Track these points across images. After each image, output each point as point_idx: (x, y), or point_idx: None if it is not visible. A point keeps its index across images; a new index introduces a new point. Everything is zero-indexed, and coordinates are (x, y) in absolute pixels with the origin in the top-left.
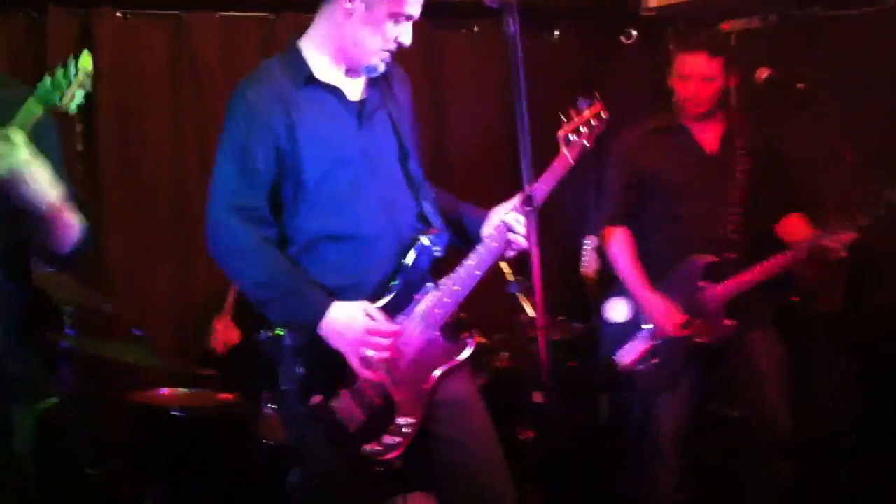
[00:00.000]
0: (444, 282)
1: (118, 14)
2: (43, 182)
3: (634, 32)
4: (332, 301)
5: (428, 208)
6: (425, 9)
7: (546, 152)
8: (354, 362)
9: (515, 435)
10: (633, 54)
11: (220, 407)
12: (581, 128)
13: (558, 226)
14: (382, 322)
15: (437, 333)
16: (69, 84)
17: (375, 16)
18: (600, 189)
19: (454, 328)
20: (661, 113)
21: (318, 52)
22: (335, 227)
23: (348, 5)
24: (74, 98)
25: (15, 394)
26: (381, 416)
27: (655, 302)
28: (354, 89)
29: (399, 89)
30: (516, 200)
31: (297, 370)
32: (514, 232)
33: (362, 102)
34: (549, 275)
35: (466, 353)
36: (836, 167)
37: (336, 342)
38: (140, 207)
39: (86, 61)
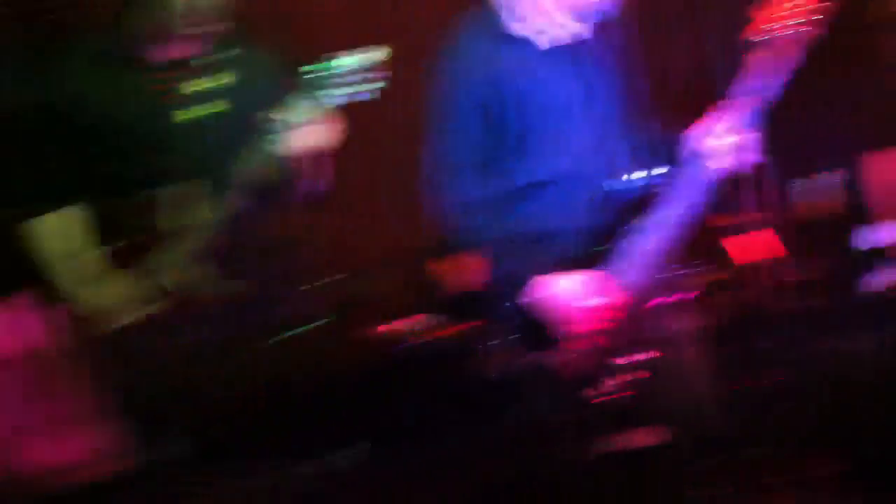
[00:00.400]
0: (650, 220)
1: None
2: None
3: None
4: (558, 268)
5: (630, 150)
6: None
7: None
8: (559, 332)
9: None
10: None
11: (451, 338)
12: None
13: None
14: (595, 301)
15: (652, 272)
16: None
17: None
18: None
19: (669, 264)
20: None
21: None
22: (539, 175)
23: None
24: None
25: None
26: (600, 360)
27: None
28: (563, 34)
29: (609, 31)
30: (717, 122)
31: (515, 310)
32: (718, 157)
33: (568, 47)
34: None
35: (683, 289)
36: None
37: (547, 311)
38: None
39: (352, 60)
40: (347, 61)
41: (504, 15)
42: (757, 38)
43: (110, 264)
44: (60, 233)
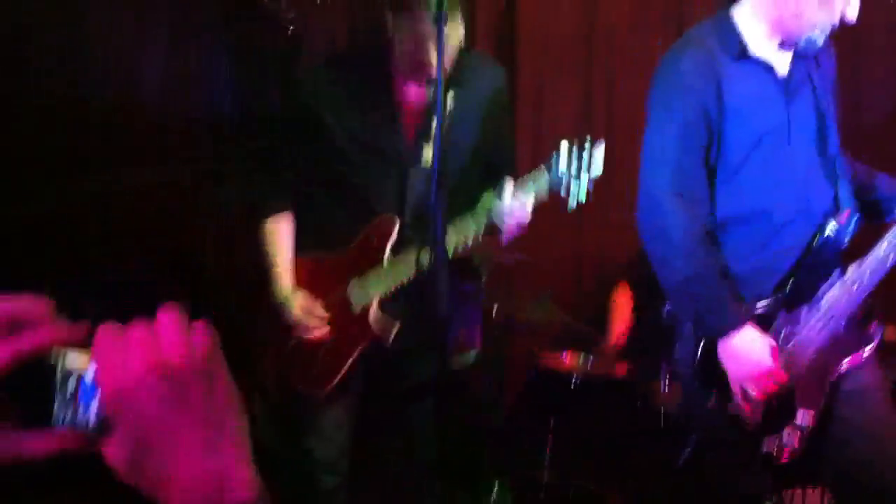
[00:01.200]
0: (853, 268)
1: None
2: None
3: None
4: (745, 323)
5: (842, 189)
6: None
7: None
8: (736, 389)
9: None
10: None
11: (619, 376)
12: None
13: None
14: (777, 366)
15: (842, 324)
16: (576, 180)
17: None
18: None
19: (863, 317)
20: None
21: (753, 23)
22: (747, 208)
23: None
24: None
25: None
26: (781, 411)
27: None
28: (783, 63)
29: (825, 62)
30: None
31: (695, 357)
32: None
33: (789, 77)
34: None
35: (872, 346)
36: None
37: (727, 362)
38: None
39: (596, 168)
40: (594, 170)
41: (744, 32)
42: None
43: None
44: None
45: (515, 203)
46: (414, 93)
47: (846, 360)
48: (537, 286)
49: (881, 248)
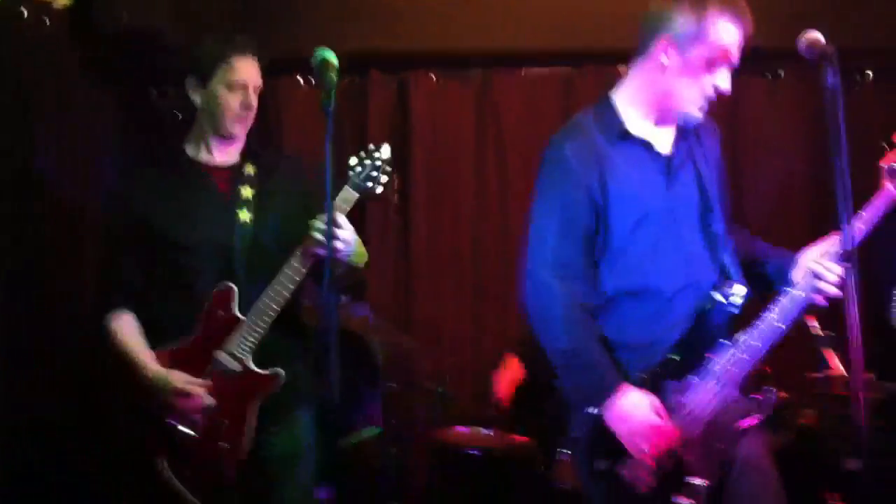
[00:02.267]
0: (742, 337)
1: (432, 76)
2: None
3: None
4: (623, 386)
5: (728, 261)
6: None
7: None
8: (629, 448)
9: (821, 497)
10: None
11: (515, 448)
12: None
13: (860, 274)
14: (667, 423)
15: (735, 392)
16: (377, 171)
17: (692, 68)
18: None
19: (754, 383)
20: None
21: (631, 106)
22: (635, 284)
23: (664, 60)
24: (381, 183)
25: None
26: (673, 477)
27: None
28: (664, 142)
29: (708, 141)
30: (827, 245)
31: (582, 429)
32: (823, 280)
33: (671, 156)
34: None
35: (767, 410)
36: None
37: (615, 426)
38: (445, 259)
39: (385, 151)
40: (384, 153)
41: (623, 115)
42: (889, 169)
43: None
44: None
45: (339, 229)
46: (219, 159)
47: (738, 426)
48: (435, 366)
49: (770, 316)
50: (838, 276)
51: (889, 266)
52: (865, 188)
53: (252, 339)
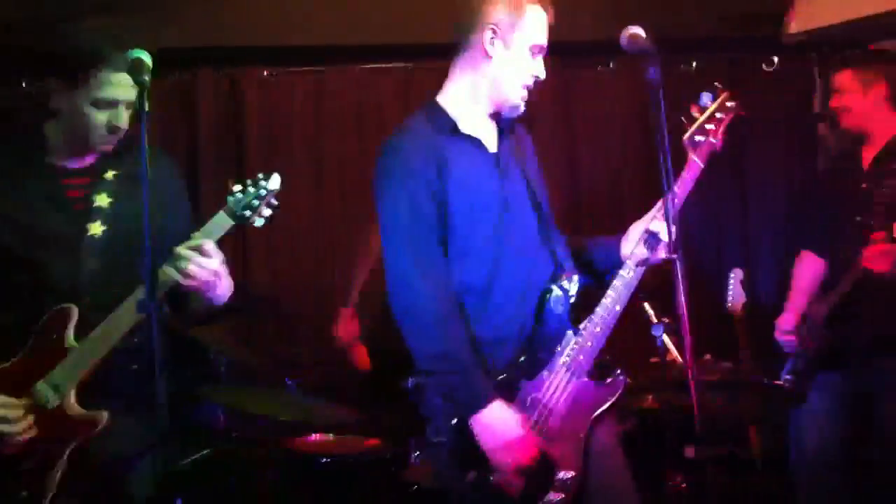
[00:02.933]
0: (584, 325)
1: (264, 73)
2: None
3: (776, 60)
4: (495, 398)
5: (561, 253)
6: (558, 47)
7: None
8: (493, 460)
9: (663, 482)
10: (775, 82)
11: (367, 453)
12: (706, 124)
13: (698, 258)
14: (529, 435)
15: (586, 379)
16: (259, 201)
17: (516, 53)
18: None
19: (602, 369)
20: None
21: (459, 103)
22: (475, 280)
23: (488, 47)
24: (262, 215)
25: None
26: (542, 476)
27: (780, 317)
28: (491, 140)
29: (522, 137)
30: (653, 211)
31: (448, 430)
32: (659, 238)
33: (499, 153)
34: (692, 311)
35: (619, 391)
36: None
37: (482, 437)
38: (284, 257)
39: (274, 182)
40: (272, 183)
41: (452, 113)
42: (690, 141)
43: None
44: None
45: (200, 253)
46: (74, 163)
47: (596, 411)
48: (280, 377)
49: (607, 300)
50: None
51: (721, 251)
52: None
53: (78, 372)
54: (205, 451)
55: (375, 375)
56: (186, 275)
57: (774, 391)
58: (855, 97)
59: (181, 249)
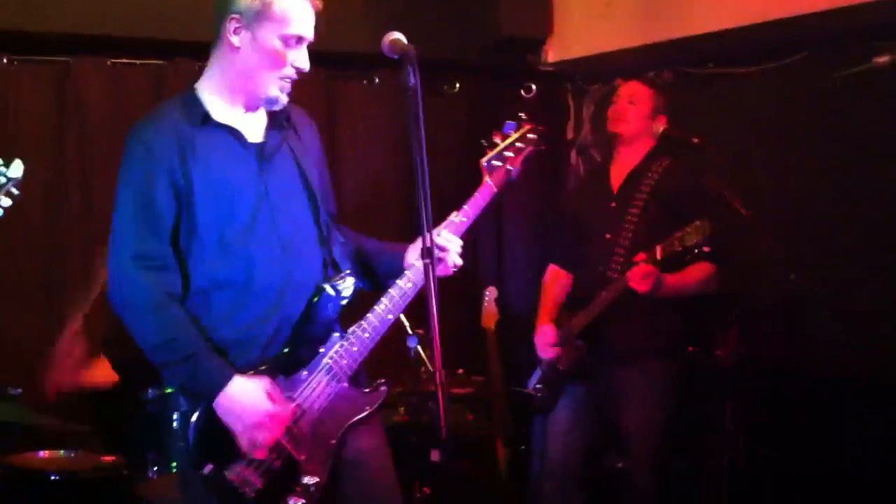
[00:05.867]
0: (353, 329)
1: (3, 59)
2: None
3: (534, 87)
4: (233, 374)
5: (337, 252)
6: (325, 58)
7: (443, 202)
8: (244, 442)
9: (413, 492)
10: (532, 109)
11: (102, 469)
12: (506, 152)
13: (455, 276)
14: (281, 403)
15: (346, 384)
16: None
17: (264, 43)
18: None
19: (363, 377)
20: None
21: (215, 93)
22: (226, 275)
23: (233, 38)
24: (2, 207)
25: None
26: (283, 479)
27: (539, 329)
28: (255, 131)
29: (305, 132)
30: (442, 225)
31: (189, 434)
32: (446, 252)
33: (263, 144)
34: (448, 327)
35: (378, 401)
36: (728, 219)
37: (229, 420)
38: (15, 254)
39: (16, 169)
40: (13, 171)
41: (206, 103)
42: (487, 164)
43: None
44: None
45: None
46: None
47: (350, 419)
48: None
49: (380, 307)
50: (459, 247)
51: (478, 269)
52: (473, 187)
53: None
54: None
55: (120, 387)
56: None
57: (524, 399)
58: (635, 108)
59: None
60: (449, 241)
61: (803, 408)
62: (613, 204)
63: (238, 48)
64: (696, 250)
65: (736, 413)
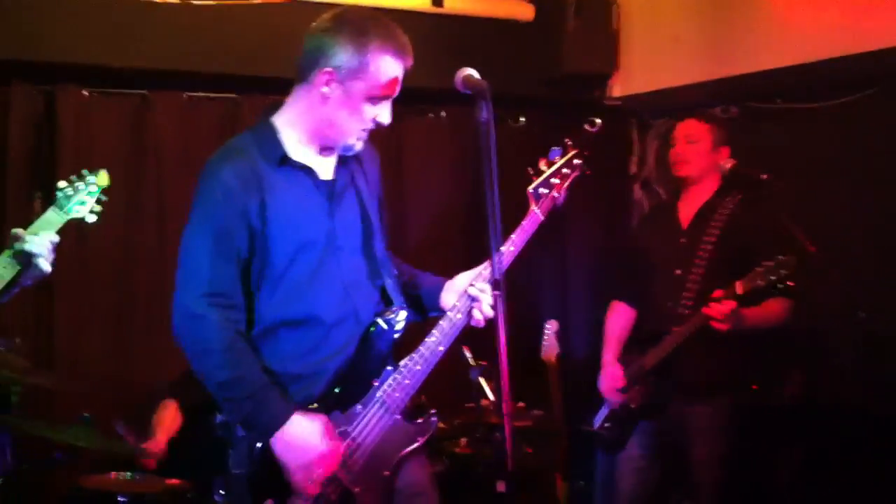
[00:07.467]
0: (405, 363)
1: (83, 92)
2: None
3: (598, 121)
4: (293, 413)
5: (390, 286)
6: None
7: (507, 233)
8: (298, 479)
9: None
10: (597, 142)
11: (168, 493)
12: (552, 179)
13: (517, 309)
14: (335, 440)
15: (399, 417)
16: (88, 196)
17: (353, 101)
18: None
19: (416, 409)
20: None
21: (293, 131)
22: (294, 313)
23: (325, 90)
24: (94, 211)
25: None
26: None
27: (605, 370)
28: (326, 168)
29: (369, 166)
30: (480, 268)
31: (249, 461)
32: (478, 302)
33: (333, 182)
34: (508, 359)
35: (430, 432)
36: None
37: (285, 456)
38: (91, 287)
39: (103, 178)
40: (101, 179)
41: (284, 140)
42: (534, 192)
43: None
44: None
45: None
46: None
47: (403, 451)
48: (77, 407)
49: (431, 339)
50: (492, 297)
51: (539, 302)
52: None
53: None
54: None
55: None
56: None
57: (592, 437)
58: (695, 147)
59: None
60: (483, 290)
61: (872, 450)
62: (683, 240)
63: (328, 98)
64: (780, 285)
65: (803, 454)
